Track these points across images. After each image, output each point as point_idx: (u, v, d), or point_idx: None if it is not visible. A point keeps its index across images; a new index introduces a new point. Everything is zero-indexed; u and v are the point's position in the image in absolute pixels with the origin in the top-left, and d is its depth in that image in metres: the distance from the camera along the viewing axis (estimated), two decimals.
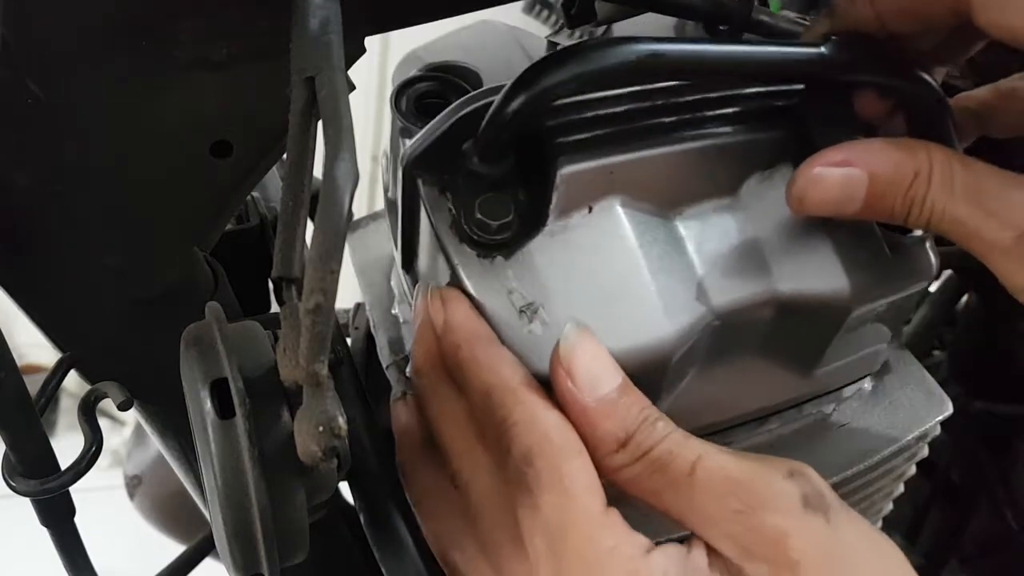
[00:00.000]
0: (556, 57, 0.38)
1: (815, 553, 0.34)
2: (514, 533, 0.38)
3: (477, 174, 0.40)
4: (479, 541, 0.40)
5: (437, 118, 0.42)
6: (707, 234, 0.43)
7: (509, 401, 0.37)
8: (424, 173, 0.42)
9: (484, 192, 0.40)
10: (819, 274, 0.43)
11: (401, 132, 0.45)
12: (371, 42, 0.41)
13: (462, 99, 0.42)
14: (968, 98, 0.48)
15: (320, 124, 0.30)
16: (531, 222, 0.41)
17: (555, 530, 0.36)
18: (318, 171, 0.30)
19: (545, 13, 1.58)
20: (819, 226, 0.43)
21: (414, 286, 0.46)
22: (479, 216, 0.40)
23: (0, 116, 0.36)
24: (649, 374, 0.41)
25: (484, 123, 0.39)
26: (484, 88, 0.42)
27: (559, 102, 0.41)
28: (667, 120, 0.42)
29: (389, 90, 0.48)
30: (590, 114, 0.42)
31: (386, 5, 0.40)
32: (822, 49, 0.42)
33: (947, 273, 0.99)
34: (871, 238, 0.44)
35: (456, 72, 0.48)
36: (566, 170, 0.40)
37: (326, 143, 0.29)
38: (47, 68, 0.35)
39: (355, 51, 0.40)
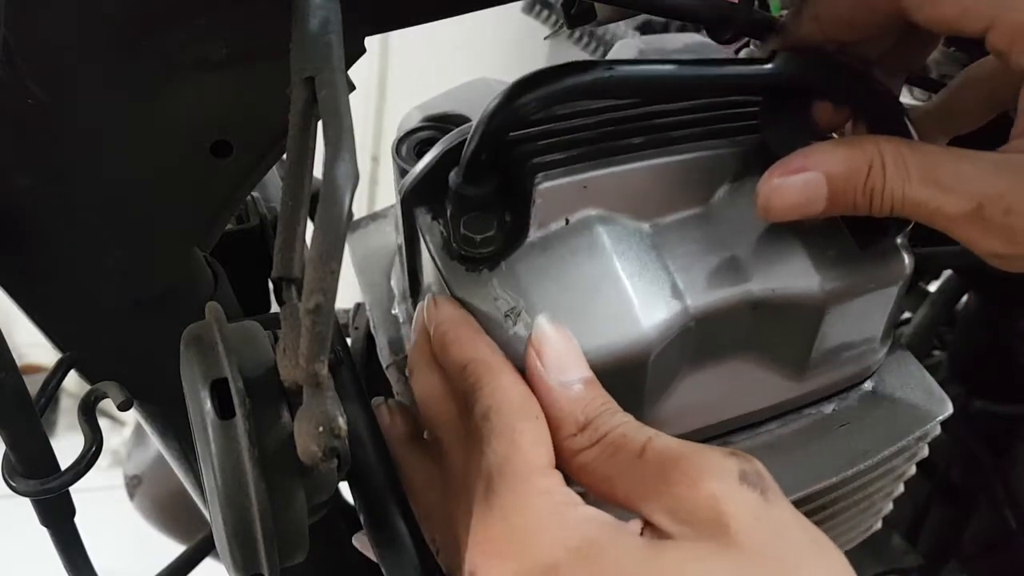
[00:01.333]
0: (522, 82, 0.43)
1: (747, 520, 0.34)
2: (469, 491, 0.39)
3: (464, 196, 0.44)
4: (447, 508, 0.42)
5: (427, 154, 0.46)
6: (680, 241, 0.46)
7: (481, 369, 0.40)
8: (419, 203, 0.46)
9: (470, 212, 0.44)
10: (790, 273, 0.45)
11: (401, 175, 0.49)
12: (371, 42, 0.41)
13: (448, 135, 0.47)
14: (926, 106, 0.49)
15: (320, 124, 0.30)
16: (514, 236, 0.45)
17: (495, 472, 0.37)
18: (318, 171, 0.30)
19: (545, 13, 1.57)
20: (788, 229, 0.46)
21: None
22: (464, 232, 0.43)
23: (0, 116, 0.36)
24: (628, 371, 0.43)
25: (465, 145, 0.44)
26: (468, 124, 0.45)
27: (536, 129, 0.46)
28: (636, 140, 0.46)
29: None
30: (565, 138, 0.46)
31: (386, 5, 0.40)
32: (771, 65, 0.46)
33: (947, 273, 0.98)
34: (840, 238, 0.46)
35: (452, 121, 0.52)
36: (543, 186, 0.44)
37: (326, 143, 0.29)
38: (47, 68, 0.35)
39: (355, 51, 0.40)
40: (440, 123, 0.52)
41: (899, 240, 0.47)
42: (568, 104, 0.47)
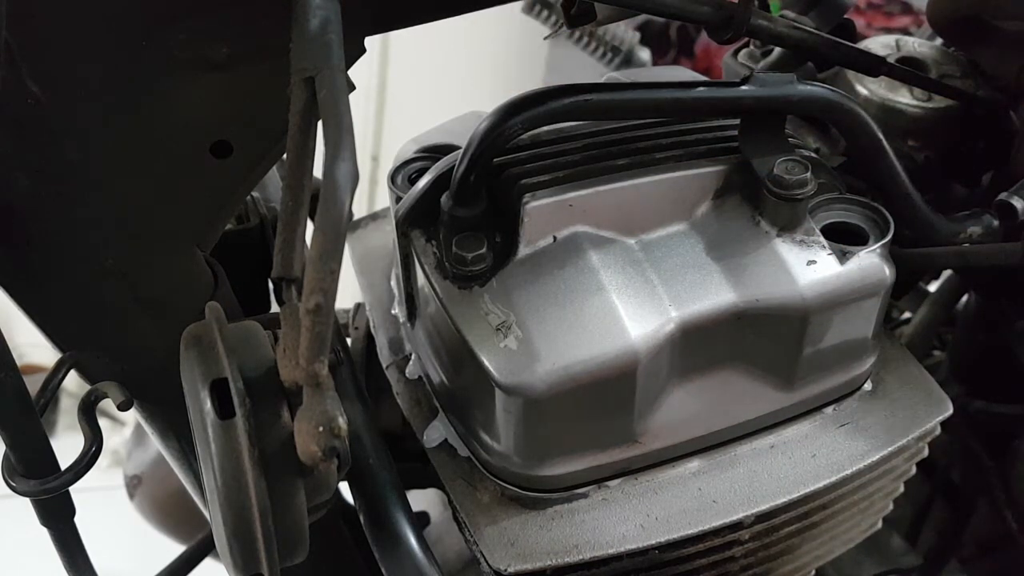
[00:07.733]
0: (507, 107, 0.45)
1: None
2: None
3: (455, 218, 0.46)
4: None
5: (420, 179, 0.49)
6: (665, 254, 0.48)
7: None
8: (414, 226, 0.49)
9: (462, 232, 0.46)
10: (772, 284, 0.47)
11: (396, 202, 0.52)
12: (371, 42, 0.41)
13: (439, 162, 0.49)
14: None
15: (320, 124, 0.30)
16: (504, 254, 0.47)
17: None
18: (318, 171, 0.30)
19: (545, 13, 1.58)
20: (770, 241, 0.47)
21: (415, 336, 0.53)
22: (456, 251, 0.46)
23: (0, 116, 0.36)
24: (617, 382, 0.45)
25: (455, 168, 0.46)
26: (457, 151, 0.47)
27: (523, 152, 0.49)
28: (620, 161, 0.49)
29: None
30: (551, 160, 0.48)
31: (386, 5, 0.40)
32: (744, 87, 0.48)
33: (947, 273, 0.98)
34: (821, 249, 0.47)
35: (444, 151, 0.54)
36: (530, 205, 0.46)
37: (326, 143, 0.29)
38: (47, 68, 0.35)
39: (355, 51, 0.40)
40: (433, 153, 0.54)
41: (879, 249, 0.48)
42: (553, 130, 0.50)
